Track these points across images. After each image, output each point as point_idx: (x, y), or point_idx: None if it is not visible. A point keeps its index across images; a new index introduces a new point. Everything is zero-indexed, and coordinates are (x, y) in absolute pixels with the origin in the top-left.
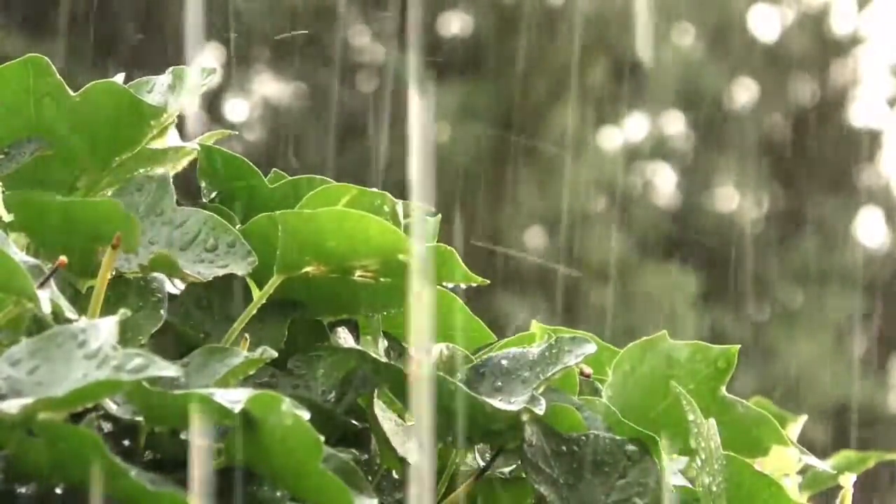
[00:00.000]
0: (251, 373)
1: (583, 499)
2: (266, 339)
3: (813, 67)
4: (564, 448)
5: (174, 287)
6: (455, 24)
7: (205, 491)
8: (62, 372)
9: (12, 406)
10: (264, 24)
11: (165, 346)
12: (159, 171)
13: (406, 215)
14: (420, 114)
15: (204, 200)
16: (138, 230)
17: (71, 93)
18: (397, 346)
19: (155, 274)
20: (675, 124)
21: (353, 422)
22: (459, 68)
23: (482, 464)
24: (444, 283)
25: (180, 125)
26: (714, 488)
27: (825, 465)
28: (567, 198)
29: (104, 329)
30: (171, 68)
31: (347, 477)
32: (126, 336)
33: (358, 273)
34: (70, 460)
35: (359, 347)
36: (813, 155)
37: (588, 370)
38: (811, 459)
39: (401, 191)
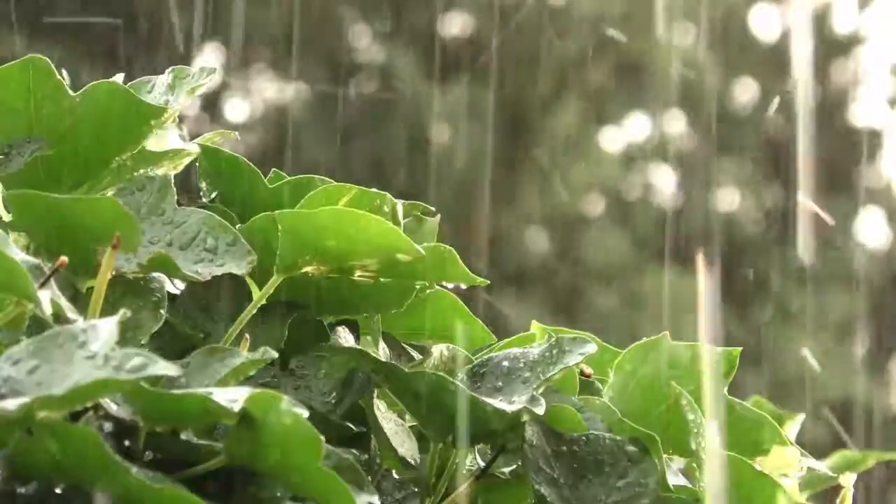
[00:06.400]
0: (252, 373)
1: (583, 499)
2: (266, 339)
3: (813, 67)
4: (565, 448)
5: (174, 287)
6: (455, 24)
7: (205, 490)
8: (62, 372)
9: (11, 405)
10: (265, 24)
11: (165, 346)
12: (160, 171)
13: (406, 215)
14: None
15: (204, 200)
16: (138, 230)
17: (71, 93)
18: (397, 347)
19: (155, 274)
20: (675, 124)
21: (352, 425)
22: (460, 68)
23: (482, 464)
24: (444, 284)
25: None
26: (714, 488)
27: (823, 466)
28: (567, 198)
29: (105, 330)
30: (171, 68)
31: (348, 475)
32: (126, 336)
33: (358, 273)
34: (70, 459)
35: (359, 347)
36: (813, 155)
37: (588, 370)
38: (809, 461)
39: (400, 191)
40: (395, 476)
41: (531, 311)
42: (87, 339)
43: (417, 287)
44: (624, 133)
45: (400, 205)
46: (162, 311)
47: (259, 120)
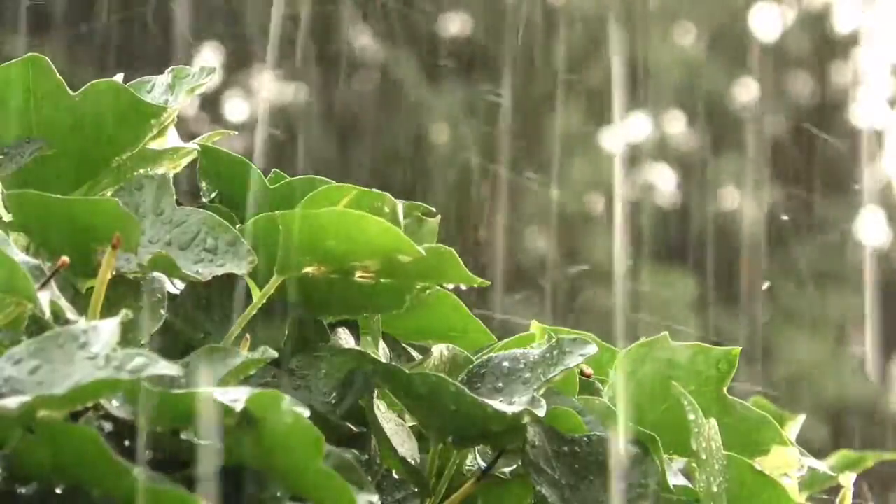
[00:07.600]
0: (252, 373)
1: (584, 500)
2: (266, 339)
3: (813, 67)
4: (566, 449)
5: (174, 287)
6: (455, 24)
7: (206, 490)
8: (64, 372)
9: (11, 403)
10: (265, 24)
11: (165, 346)
12: (159, 170)
13: (406, 216)
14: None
15: (204, 200)
16: (138, 230)
17: (71, 92)
18: (397, 347)
19: (155, 274)
20: (675, 124)
21: (352, 426)
22: (459, 68)
23: (483, 464)
24: (444, 284)
25: (181, 125)
26: (714, 488)
27: (823, 466)
28: (567, 198)
29: (106, 331)
30: (171, 68)
31: (348, 474)
32: (126, 336)
33: (358, 273)
34: (71, 459)
35: (359, 348)
36: (813, 155)
37: (589, 371)
38: (809, 460)
39: (400, 191)
40: (395, 476)
41: (530, 311)
42: (87, 339)
43: (418, 288)
44: (623, 133)
45: (400, 205)
46: (162, 311)
47: (258, 120)
